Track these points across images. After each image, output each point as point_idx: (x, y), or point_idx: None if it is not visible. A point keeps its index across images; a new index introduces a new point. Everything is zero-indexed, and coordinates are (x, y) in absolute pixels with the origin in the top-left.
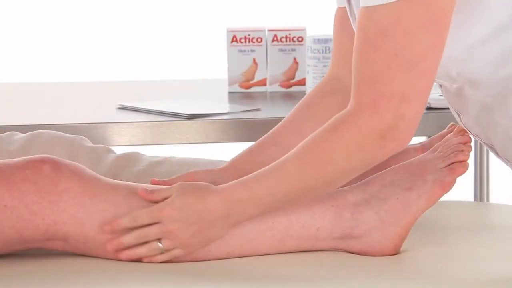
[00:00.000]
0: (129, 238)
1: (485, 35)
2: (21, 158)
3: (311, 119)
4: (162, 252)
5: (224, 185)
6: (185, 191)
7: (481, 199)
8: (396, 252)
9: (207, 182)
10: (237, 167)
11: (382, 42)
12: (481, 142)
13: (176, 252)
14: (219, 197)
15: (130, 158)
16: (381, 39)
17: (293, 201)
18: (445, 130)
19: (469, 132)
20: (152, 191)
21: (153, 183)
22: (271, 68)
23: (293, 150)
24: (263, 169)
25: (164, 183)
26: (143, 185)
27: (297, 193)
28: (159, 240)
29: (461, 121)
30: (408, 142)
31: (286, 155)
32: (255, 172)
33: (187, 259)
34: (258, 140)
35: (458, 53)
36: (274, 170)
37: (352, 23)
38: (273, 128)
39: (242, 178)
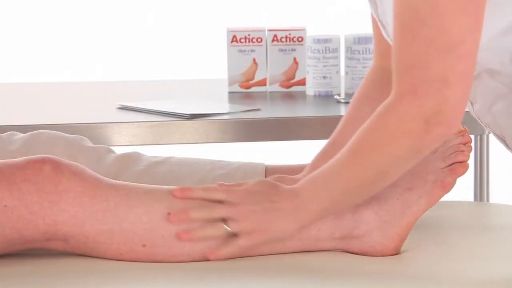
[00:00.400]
0: (196, 212)
1: None
2: (21, 158)
3: (373, 111)
4: (227, 239)
5: (299, 182)
6: (261, 181)
7: (481, 199)
8: (396, 252)
9: None
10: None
11: (419, 28)
12: (492, 133)
13: (241, 241)
14: (290, 191)
15: (130, 158)
16: (418, 25)
17: (352, 196)
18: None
19: (479, 121)
20: (230, 185)
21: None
22: (271, 68)
23: (348, 143)
24: (328, 162)
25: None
26: (143, 185)
27: (353, 185)
28: (226, 222)
29: (473, 109)
30: (457, 125)
31: (343, 149)
32: (324, 165)
33: (247, 254)
34: (330, 140)
35: (484, 41)
36: (331, 163)
37: (377, 22)
38: (339, 125)
39: (313, 172)
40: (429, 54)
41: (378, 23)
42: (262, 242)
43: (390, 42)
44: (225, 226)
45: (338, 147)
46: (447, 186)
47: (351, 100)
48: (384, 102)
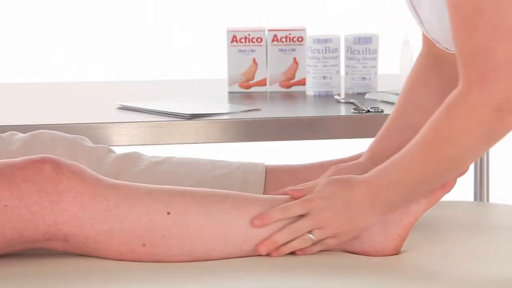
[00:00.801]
0: (281, 236)
1: None
2: (21, 158)
3: (428, 95)
4: (314, 243)
5: (367, 174)
6: (331, 181)
7: (481, 199)
8: (396, 252)
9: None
10: (375, 157)
11: (479, 16)
12: None
13: (329, 241)
14: (363, 184)
15: (130, 158)
16: (478, 14)
17: (429, 184)
18: None
19: None
20: (301, 189)
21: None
22: (271, 68)
23: (418, 134)
24: (399, 153)
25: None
26: (143, 185)
27: (428, 176)
28: (310, 231)
29: None
30: None
31: (413, 139)
32: (393, 157)
33: (338, 248)
34: (386, 124)
35: None
36: (404, 155)
37: (415, 20)
38: (394, 110)
39: (383, 163)
40: (493, 41)
41: (411, 11)
42: (349, 239)
43: (423, 30)
44: (310, 235)
45: (394, 133)
46: (448, 186)
47: (402, 87)
48: (453, 94)
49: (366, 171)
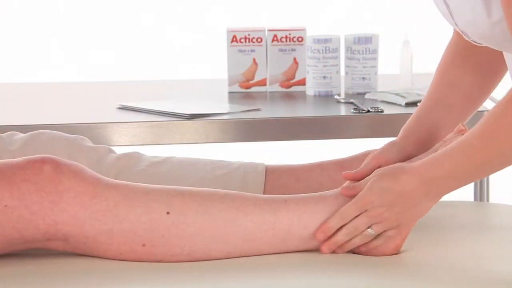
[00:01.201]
0: (342, 236)
1: None
2: (21, 158)
3: (464, 74)
4: (375, 237)
5: (416, 163)
6: (379, 176)
7: (481, 199)
8: (396, 252)
9: (394, 156)
10: (410, 135)
11: None
12: None
13: (391, 232)
14: (413, 177)
15: (131, 158)
16: None
17: (486, 173)
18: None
19: None
20: (352, 187)
21: (346, 177)
22: (271, 68)
23: (476, 125)
24: (451, 144)
25: (355, 175)
26: (143, 185)
27: (485, 165)
28: (369, 227)
29: None
30: None
31: (470, 130)
32: (443, 149)
33: (398, 240)
34: (420, 104)
35: None
36: (461, 145)
37: (451, 23)
38: (429, 89)
39: (433, 155)
40: None
41: (444, 8)
42: (410, 227)
43: (451, 22)
44: (369, 231)
45: (428, 112)
46: None
47: (435, 71)
48: None
49: (402, 151)
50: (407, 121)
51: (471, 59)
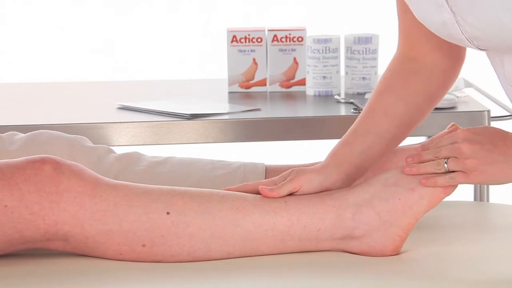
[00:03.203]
0: (427, 154)
1: None
2: (21, 158)
3: (398, 102)
4: (445, 173)
5: None
6: (487, 126)
7: (481, 199)
8: (396, 252)
9: (317, 182)
10: (339, 161)
11: None
12: None
13: (459, 176)
14: None
15: (131, 158)
16: None
17: None
18: (446, 130)
19: None
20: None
21: (261, 191)
22: (271, 68)
23: None
24: None
25: (269, 182)
26: (143, 185)
27: None
28: (447, 162)
29: None
30: None
31: None
32: None
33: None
34: (351, 129)
35: None
36: None
37: (458, 29)
38: (361, 114)
39: None
40: None
41: (448, 16)
42: (478, 182)
43: (460, 36)
44: (445, 164)
45: (359, 136)
46: (449, 189)
47: (373, 91)
48: None
49: (323, 181)
50: (337, 144)
51: (410, 83)
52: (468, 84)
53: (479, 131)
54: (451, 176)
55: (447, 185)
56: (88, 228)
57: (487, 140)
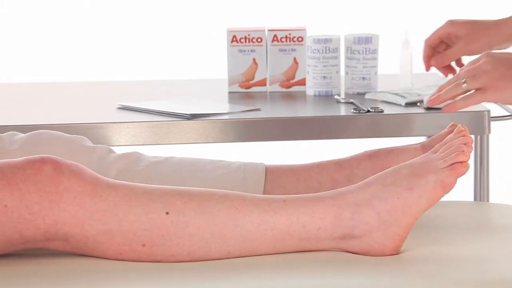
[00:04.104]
0: (447, 84)
1: None
2: (21, 158)
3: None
4: (464, 92)
5: None
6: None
7: (481, 199)
8: (396, 252)
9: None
10: None
11: None
12: None
13: (476, 95)
14: None
15: (131, 158)
16: None
17: None
18: (445, 130)
19: None
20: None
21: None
22: (271, 68)
23: None
24: None
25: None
26: (143, 185)
27: None
28: (464, 82)
29: None
30: None
31: None
32: None
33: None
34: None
35: None
36: None
37: None
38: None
39: None
40: None
41: None
42: (495, 100)
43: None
44: (463, 84)
45: None
46: (448, 186)
47: None
48: None
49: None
50: None
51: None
52: None
53: (499, 53)
54: (469, 95)
55: (465, 105)
56: (88, 228)
57: (508, 59)
